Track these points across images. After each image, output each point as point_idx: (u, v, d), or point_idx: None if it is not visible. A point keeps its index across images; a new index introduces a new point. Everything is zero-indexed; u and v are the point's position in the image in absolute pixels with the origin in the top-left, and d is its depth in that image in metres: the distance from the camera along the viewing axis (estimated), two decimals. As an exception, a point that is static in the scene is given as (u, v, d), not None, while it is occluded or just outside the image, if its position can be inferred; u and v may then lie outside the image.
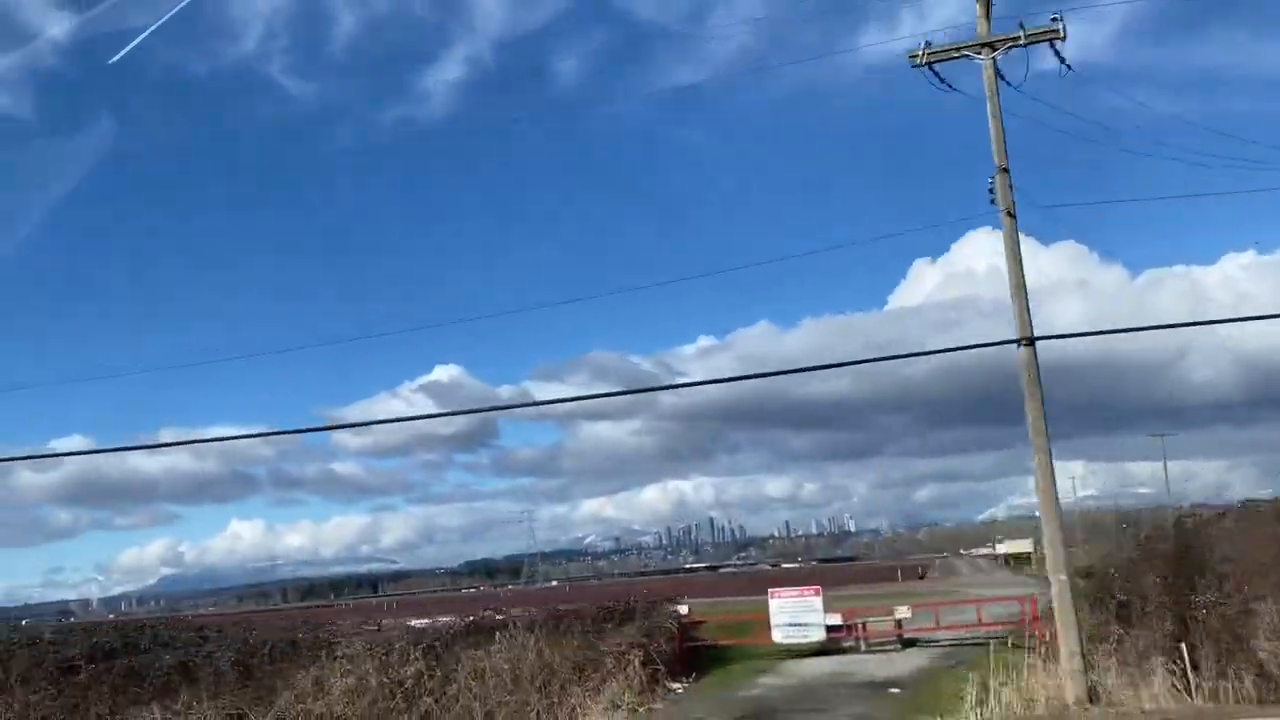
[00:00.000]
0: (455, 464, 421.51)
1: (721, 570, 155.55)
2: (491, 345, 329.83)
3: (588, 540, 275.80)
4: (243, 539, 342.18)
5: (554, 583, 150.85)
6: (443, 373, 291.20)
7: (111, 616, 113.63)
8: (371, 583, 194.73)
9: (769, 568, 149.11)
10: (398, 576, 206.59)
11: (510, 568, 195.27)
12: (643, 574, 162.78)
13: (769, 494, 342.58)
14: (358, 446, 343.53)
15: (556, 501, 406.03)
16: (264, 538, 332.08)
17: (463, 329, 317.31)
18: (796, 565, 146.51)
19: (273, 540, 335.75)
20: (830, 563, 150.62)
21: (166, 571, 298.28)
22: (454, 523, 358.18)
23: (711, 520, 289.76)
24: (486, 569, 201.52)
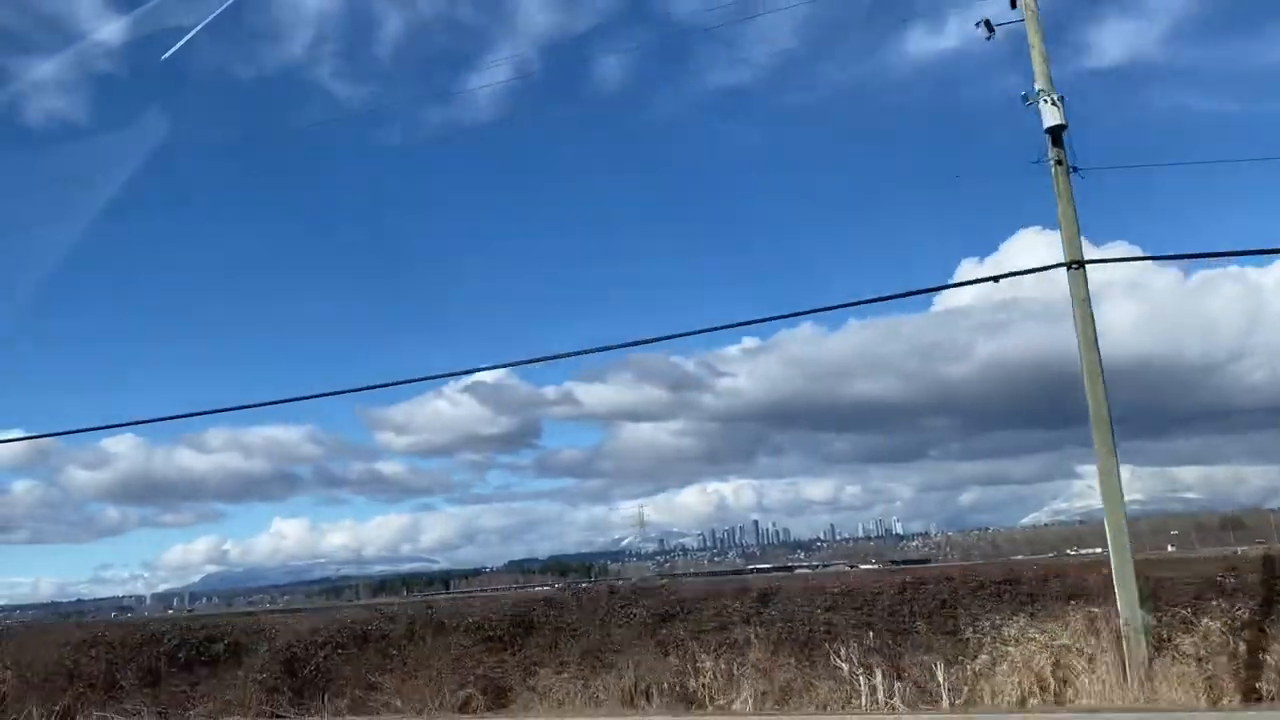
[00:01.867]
0: (498, 464, 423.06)
1: (797, 571, 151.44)
2: (535, 347, 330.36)
3: (625, 542, 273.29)
4: (286, 537, 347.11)
5: (628, 580, 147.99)
6: (486, 374, 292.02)
7: (170, 611, 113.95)
8: (443, 579, 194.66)
9: (848, 569, 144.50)
10: (447, 574, 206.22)
11: (581, 566, 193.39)
12: (718, 574, 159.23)
13: (810, 497, 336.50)
14: (403, 446, 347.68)
15: (595, 503, 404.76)
16: (307, 536, 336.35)
17: (505, 331, 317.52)
18: (875, 567, 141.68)
19: (315, 539, 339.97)
20: (906, 565, 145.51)
21: (211, 569, 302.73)
22: (494, 523, 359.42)
23: (755, 523, 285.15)
24: (561, 567, 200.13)
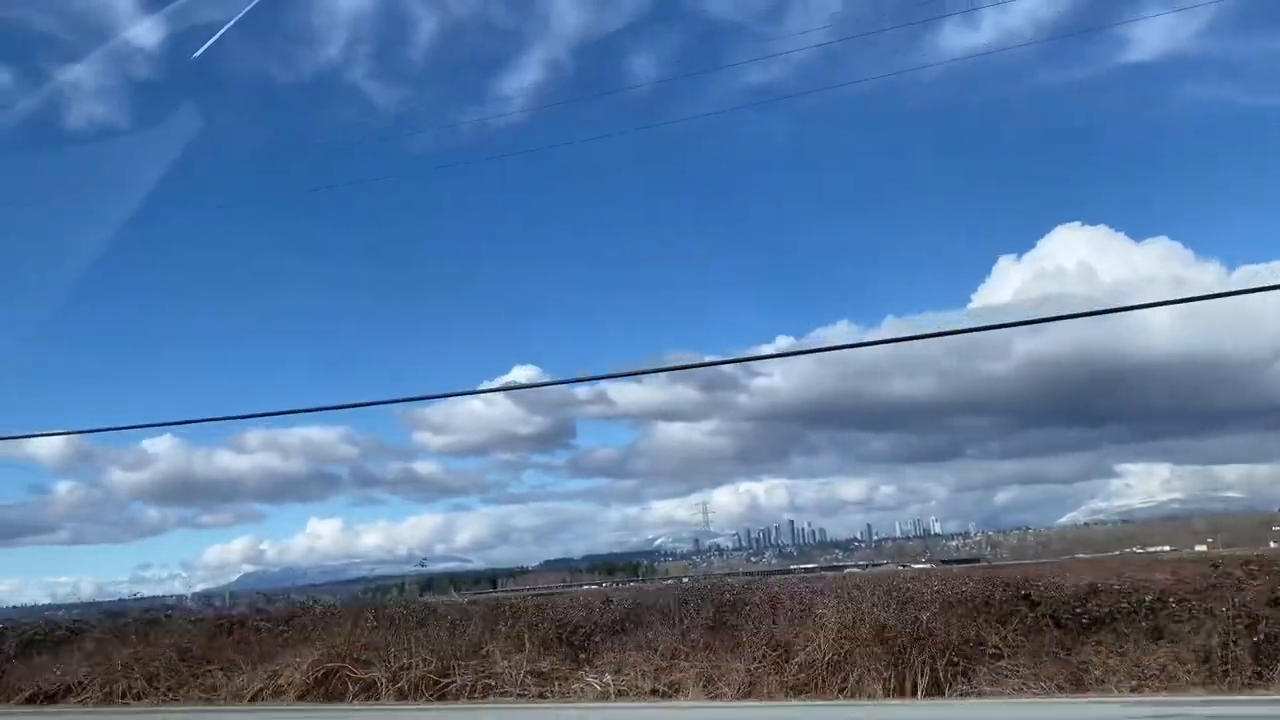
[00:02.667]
0: (532, 464, 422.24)
1: (847, 571, 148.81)
2: (569, 346, 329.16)
3: (658, 541, 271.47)
4: (321, 537, 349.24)
5: (678, 580, 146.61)
6: (520, 373, 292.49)
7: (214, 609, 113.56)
8: (491, 578, 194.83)
9: (900, 569, 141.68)
10: (493, 573, 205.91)
11: (629, 565, 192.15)
12: (765, 573, 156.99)
13: (844, 496, 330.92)
14: (439, 446, 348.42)
15: (628, 503, 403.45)
16: (341, 536, 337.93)
17: (541, 330, 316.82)
18: (927, 566, 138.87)
19: (350, 539, 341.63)
20: (955, 564, 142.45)
21: (248, 569, 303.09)
22: (528, 523, 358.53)
23: (791, 523, 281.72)
24: (608, 566, 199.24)
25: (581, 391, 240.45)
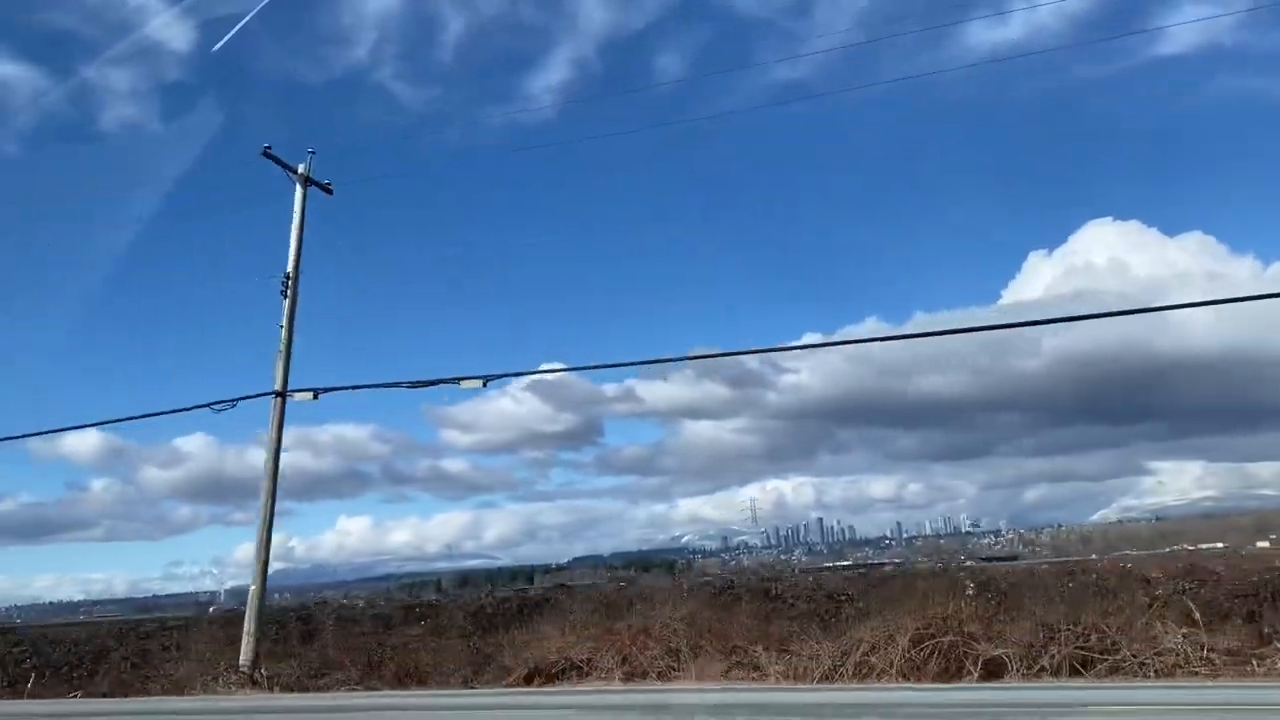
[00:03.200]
0: (560, 462, 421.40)
1: (886, 568, 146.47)
2: (596, 344, 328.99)
3: (685, 539, 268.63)
4: (350, 534, 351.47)
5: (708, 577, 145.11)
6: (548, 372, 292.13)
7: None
8: (527, 575, 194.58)
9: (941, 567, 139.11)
10: (530, 570, 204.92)
11: (664, 562, 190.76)
12: (806, 571, 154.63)
13: (872, 494, 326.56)
14: (467, 444, 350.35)
15: (655, 500, 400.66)
16: (371, 533, 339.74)
17: (568, 327, 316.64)
18: (970, 564, 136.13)
19: (379, 536, 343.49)
20: (992, 562, 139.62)
21: (277, 566, 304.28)
22: (555, 520, 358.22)
23: (820, 520, 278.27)
24: (644, 563, 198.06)
25: (610, 389, 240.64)
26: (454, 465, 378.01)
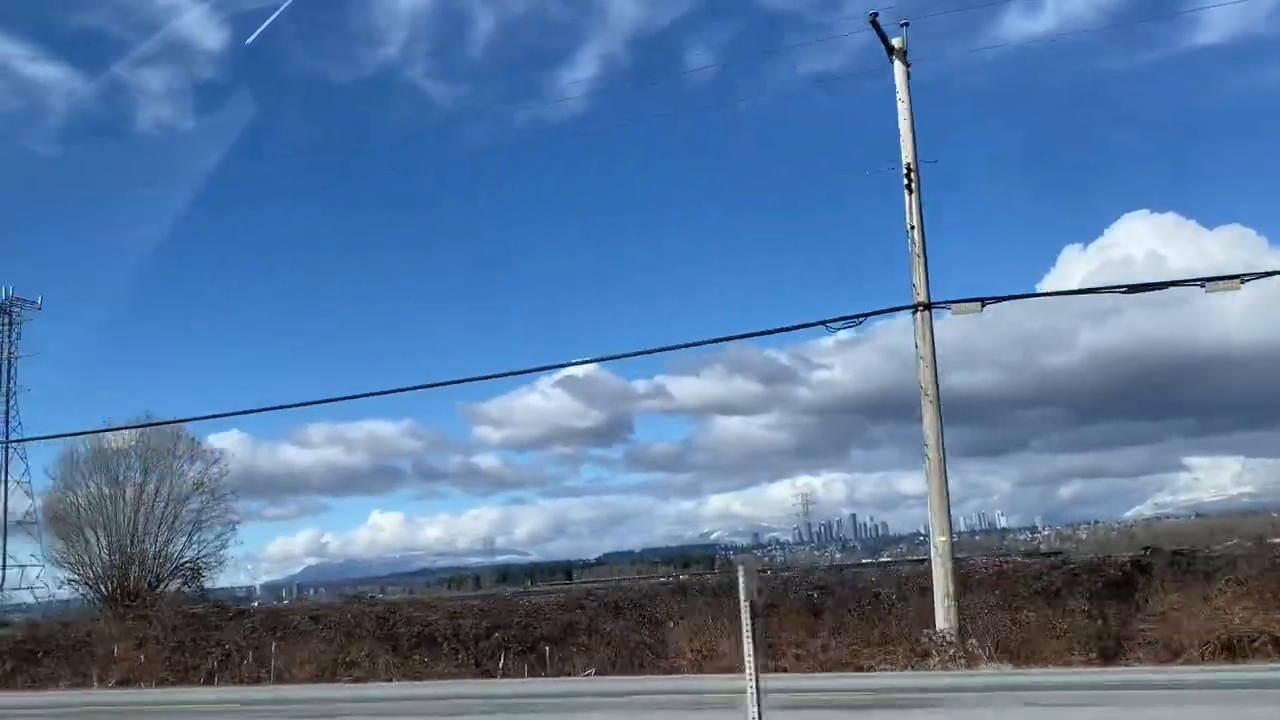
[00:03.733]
0: (589, 458, 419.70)
1: (924, 564, 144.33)
2: (626, 341, 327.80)
3: (715, 535, 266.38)
4: (383, 530, 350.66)
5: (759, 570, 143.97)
6: (578, 368, 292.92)
7: (287, 602, 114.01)
8: (566, 570, 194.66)
9: (983, 560, 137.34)
10: (569, 565, 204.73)
11: (704, 557, 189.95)
12: (845, 566, 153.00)
13: (903, 491, 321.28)
14: (498, 440, 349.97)
15: (684, 497, 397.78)
16: (403, 529, 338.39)
17: (598, 325, 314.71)
18: (1022, 561, 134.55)
19: (411, 532, 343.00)
20: (1036, 557, 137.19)
21: (311, 561, 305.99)
22: (584, 516, 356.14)
23: (853, 517, 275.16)
24: (684, 559, 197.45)
25: (640, 385, 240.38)
26: (485, 461, 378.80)
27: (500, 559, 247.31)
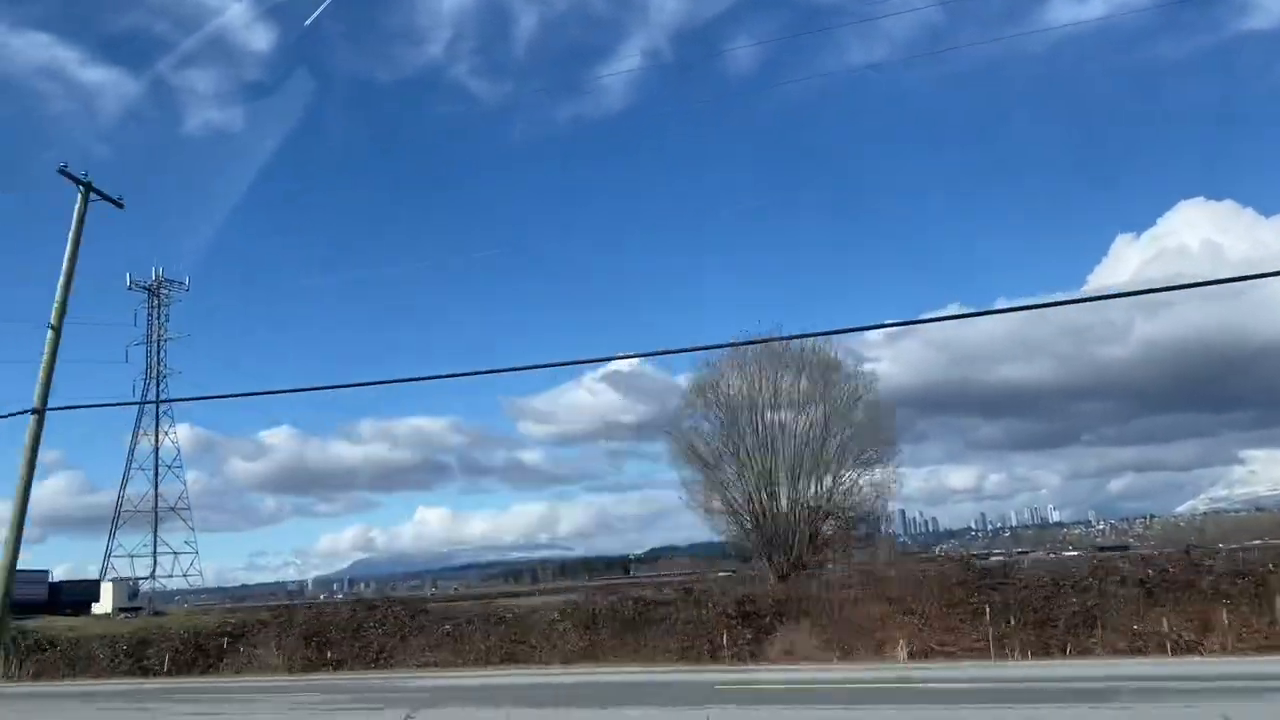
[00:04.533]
0: (635, 453, 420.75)
1: (987, 557, 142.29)
2: (670, 335, 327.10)
3: None
4: (429, 525, 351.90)
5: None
6: (623, 362, 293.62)
7: (340, 596, 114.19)
8: (622, 565, 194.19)
9: (1052, 557, 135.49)
10: (625, 559, 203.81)
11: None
12: (932, 559, 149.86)
13: (951, 485, 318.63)
14: (542, 435, 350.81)
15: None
16: (448, 524, 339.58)
17: (642, 319, 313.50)
18: (1078, 553, 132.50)
19: (457, 526, 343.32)
20: (1107, 550, 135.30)
21: (359, 556, 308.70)
22: (628, 511, 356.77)
23: (902, 512, 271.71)
24: (744, 554, 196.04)
25: (684, 379, 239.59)
26: (530, 456, 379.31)
27: (542, 554, 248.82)
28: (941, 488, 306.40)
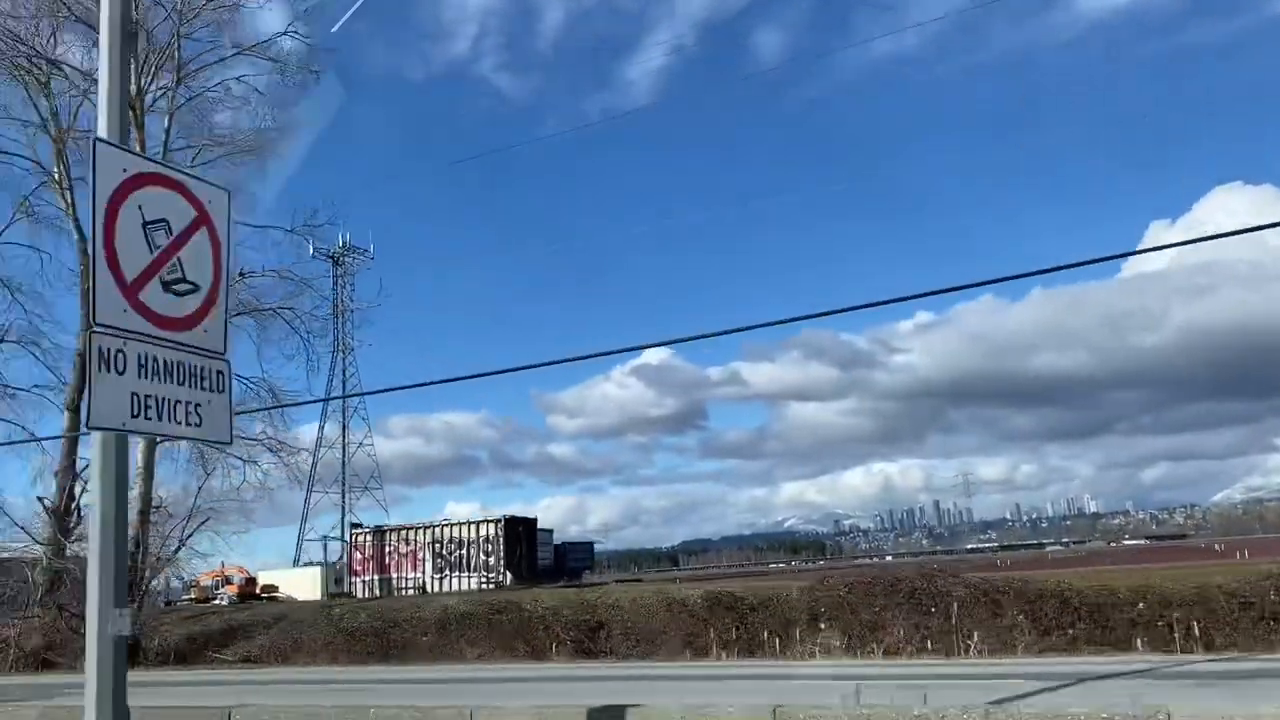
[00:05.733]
0: (663, 446, 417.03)
1: (1062, 546, 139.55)
2: (700, 327, 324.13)
3: (789, 523, 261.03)
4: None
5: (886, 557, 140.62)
6: (652, 355, 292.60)
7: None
8: (671, 557, 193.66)
9: (1109, 545, 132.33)
10: (674, 553, 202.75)
11: (814, 544, 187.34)
12: (997, 550, 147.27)
13: (983, 476, 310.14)
14: (572, 429, 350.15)
15: (757, 484, 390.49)
16: (478, 518, 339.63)
17: (672, 311, 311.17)
18: (1136, 543, 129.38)
19: None
20: (1162, 540, 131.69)
21: None
22: (658, 504, 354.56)
23: (936, 503, 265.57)
24: (793, 545, 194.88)
25: (714, 372, 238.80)
26: (559, 450, 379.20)
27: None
28: (972, 478, 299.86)
